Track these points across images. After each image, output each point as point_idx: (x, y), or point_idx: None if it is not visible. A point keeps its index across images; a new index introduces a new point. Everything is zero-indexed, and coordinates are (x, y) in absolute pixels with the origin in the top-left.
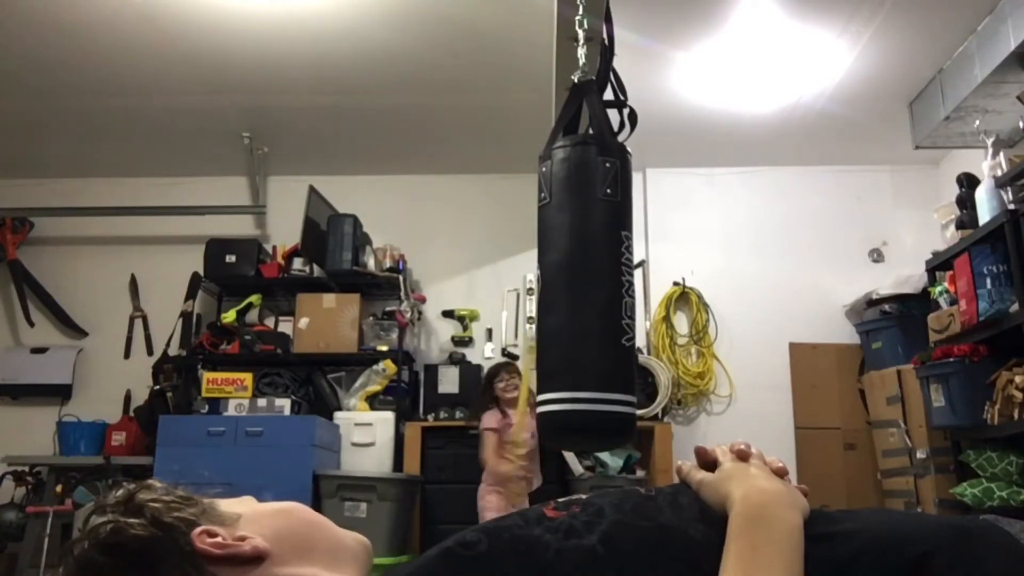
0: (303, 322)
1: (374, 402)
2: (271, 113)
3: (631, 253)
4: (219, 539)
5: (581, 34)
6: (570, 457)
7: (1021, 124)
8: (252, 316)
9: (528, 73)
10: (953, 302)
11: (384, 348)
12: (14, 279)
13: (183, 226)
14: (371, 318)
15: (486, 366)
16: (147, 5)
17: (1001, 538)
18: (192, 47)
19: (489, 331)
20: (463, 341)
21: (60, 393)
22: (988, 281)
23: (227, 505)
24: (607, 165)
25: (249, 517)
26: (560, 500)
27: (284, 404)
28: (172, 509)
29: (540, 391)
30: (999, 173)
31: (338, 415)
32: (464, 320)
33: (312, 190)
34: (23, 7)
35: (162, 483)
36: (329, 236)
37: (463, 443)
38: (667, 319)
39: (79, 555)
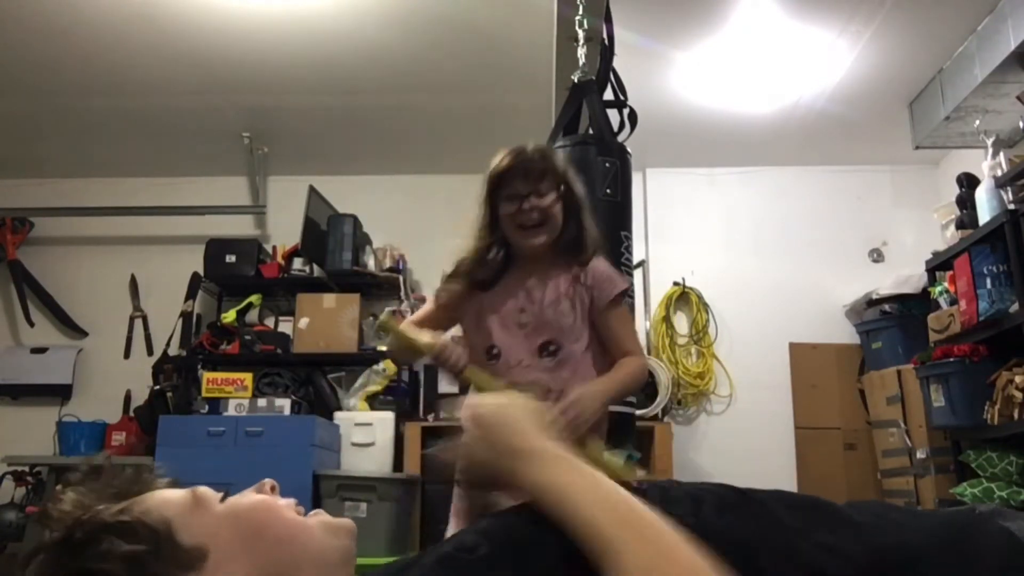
0: (303, 322)
1: (374, 402)
2: (271, 113)
3: (631, 253)
4: None
5: (581, 34)
6: None
7: (1021, 124)
8: (252, 316)
9: (528, 73)
10: (953, 302)
11: (384, 348)
12: (14, 279)
13: (183, 226)
14: (371, 318)
15: None
16: (147, 5)
17: (995, 540)
18: (192, 47)
19: None
20: None
21: (60, 393)
22: (988, 281)
23: (180, 517)
24: (607, 165)
25: (222, 553)
26: None
27: (284, 404)
28: (128, 559)
29: None
30: (999, 173)
31: (338, 415)
32: None
33: (312, 190)
34: (23, 7)
35: (74, 493)
36: (329, 236)
37: None
38: (667, 319)
39: None
